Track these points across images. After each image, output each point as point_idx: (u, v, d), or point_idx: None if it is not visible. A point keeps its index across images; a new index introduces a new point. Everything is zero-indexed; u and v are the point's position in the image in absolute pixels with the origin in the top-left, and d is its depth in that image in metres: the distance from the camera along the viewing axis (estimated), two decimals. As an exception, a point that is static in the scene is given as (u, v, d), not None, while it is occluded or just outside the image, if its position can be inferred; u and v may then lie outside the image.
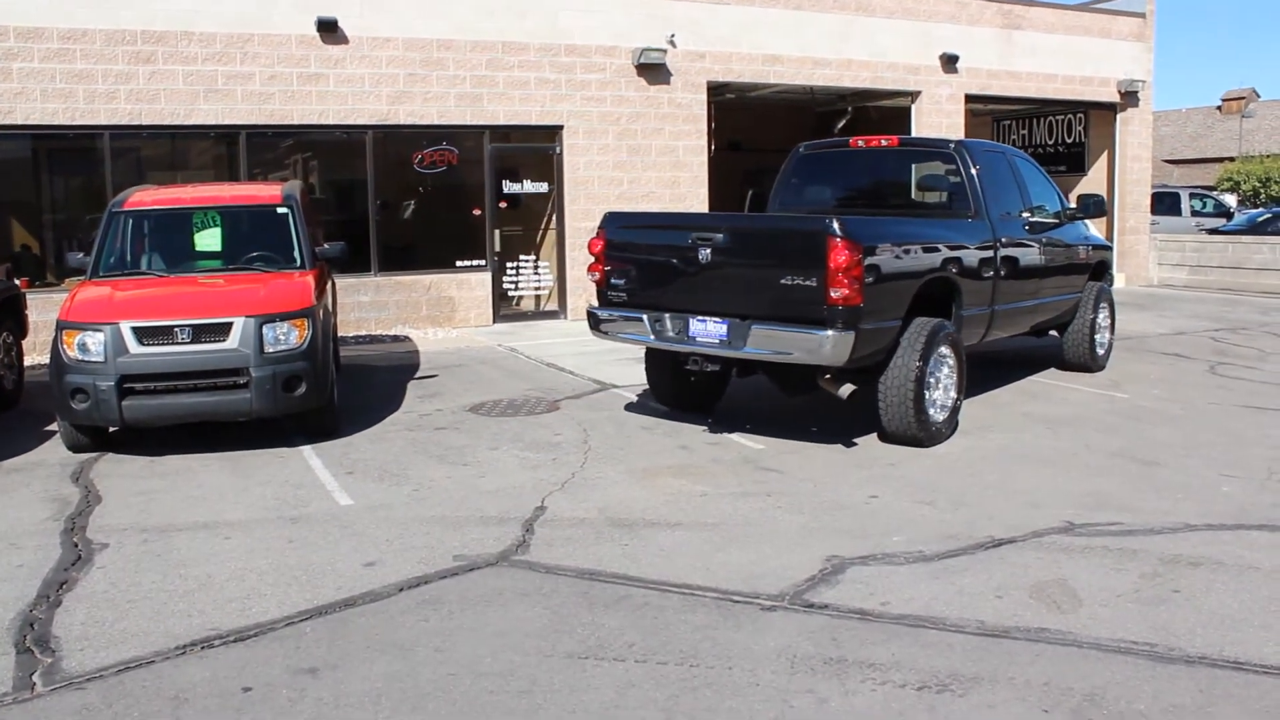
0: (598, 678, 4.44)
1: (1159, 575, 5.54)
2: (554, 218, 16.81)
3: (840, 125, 21.46)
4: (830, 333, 7.53)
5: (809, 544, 6.08)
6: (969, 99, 20.25)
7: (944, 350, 8.41)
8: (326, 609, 5.21)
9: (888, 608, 5.15)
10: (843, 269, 7.44)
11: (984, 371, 11.35)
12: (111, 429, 8.60)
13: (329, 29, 14.80)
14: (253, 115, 14.57)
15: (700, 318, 8.23)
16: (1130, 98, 21.98)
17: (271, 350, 8.23)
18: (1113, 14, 21.69)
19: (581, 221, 16.17)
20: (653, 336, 8.55)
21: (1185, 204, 29.45)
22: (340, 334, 12.70)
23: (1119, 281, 22.11)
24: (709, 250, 8.15)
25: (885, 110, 21.37)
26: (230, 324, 8.22)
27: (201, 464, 8.12)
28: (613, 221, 9.03)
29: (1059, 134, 23.48)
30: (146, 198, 9.93)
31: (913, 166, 10.44)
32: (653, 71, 16.89)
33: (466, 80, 15.70)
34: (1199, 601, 5.19)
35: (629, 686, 4.35)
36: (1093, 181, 22.73)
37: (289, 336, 8.31)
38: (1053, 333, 11.51)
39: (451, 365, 12.58)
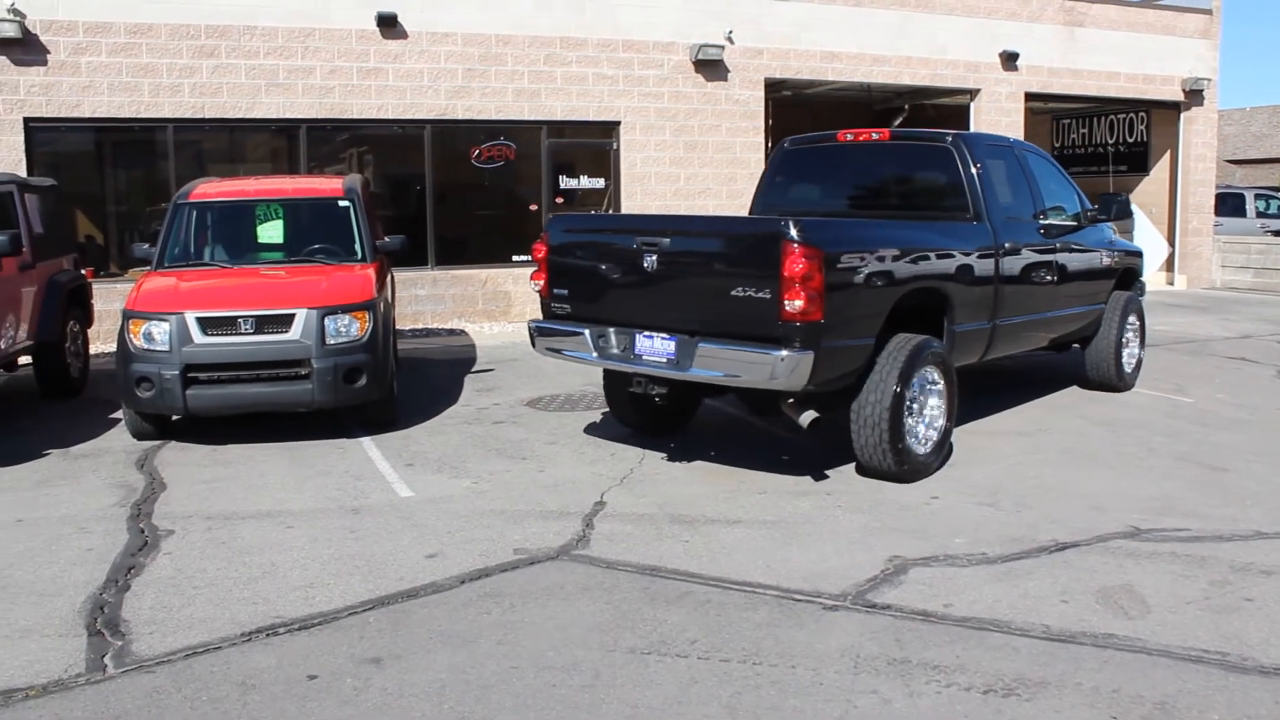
0: (661, 673, 4.43)
1: (1229, 583, 5.43)
2: (610, 213, 16.82)
3: (897, 123, 21.29)
4: (784, 353, 6.59)
5: (870, 544, 6.04)
6: (1029, 97, 20.00)
7: (929, 372, 7.45)
8: (389, 599, 5.25)
9: (951, 609, 5.09)
10: (799, 279, 6.52)
11: (1038, 375, 11.22)
12: (175, 417, 8.73)
13: (389, 24, 14.92)
14: (313, 109, 14.72)
15: (648, 333, 7.37)
16: (1195, 96, 21.61)
17: (333, 342, 8.31)
18: (1178, 10, 21.31)
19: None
20: (595, 354, 7.68)
21: (1250, 205, 28.87)
22: (398, 327, 12.79)
23: (1180, 284, 21.81)
24: (655, 257, 7.26)
25: (943, 108, 21.17)
26: (293, 315, 8.31)
27: (263, 453, 8.22)
28: (557, 224, 8.21)
29: (1120, 133, 23.15)
30: (211, 190, 10.07)
31: (905, 164, 9.41)
32: (710, 68, 16.85)
33: (525, 75, 15.75)
34: (1272, 611, 5.08)
35: (692, 683, 4.34)
36: (1155, 182, 22.40)
37: (350, 328, 8.39)
38: (1076, 346, 10.50)
39: (508, 359, 12.63)
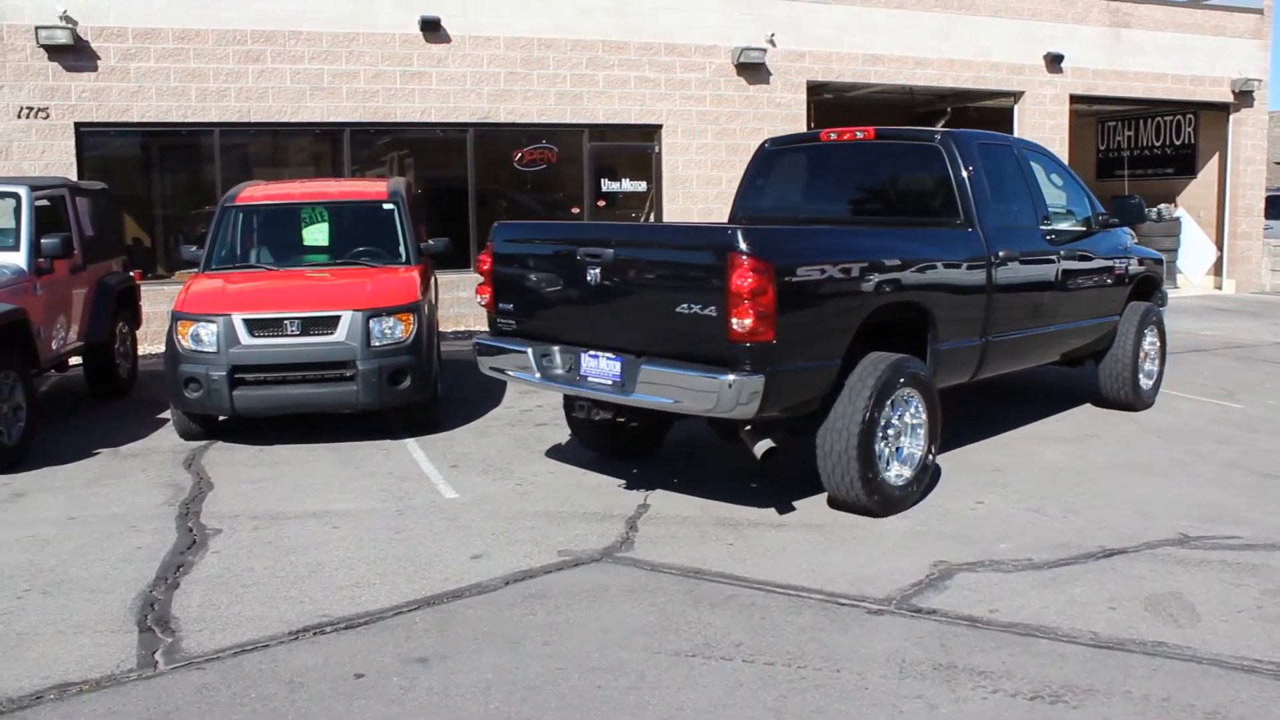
0: (705, 676, 4.43)
1: (1282, 591, 5.36)
2: (652, 217, 16.85)
3: (941, 124, 21.15)
4: (731, 377, 5.94)
5: (915, 548, 6.01)
6: (1074, 99, 19.81)
7: (907, 394, 6.75)
8: (435, 599, 5.29)
9: (997, 615, 5.06)
10: (748, 294, 5.87)
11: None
12: (222, 418, 8.82)
13: (432, 28, 15.02)
14: (357, 113, 14.85)
15: (593, 353, 6.76)
16: (1244, 97, 21.29)
17: (378, 344, 8.38)
18: (1228, 10, 21.01)
19: (682, 220, 16.17)
20: (538, 374, 7.06)
21: (1300, 209, 28.43)
22: (441, 329, 12.86)
23: (1229, 288, 21.51)
24: (598, 270, 6.67)
25: (986, 111, 21.02)
26: (338, 317, 8.38)
27: (308, 454, 8.30)
28: (501, 233, 7.56)
29: (1167, 135, 22.88)
30: (257, 193, 10.18)
31: (892, 165, 8.64)
32: (752, 71, 16.83)
33: (567, 79, 15.81)
34: (1326, 620, 5.01)
35: (737, 686, 4.34)
36: (1203, 184, 22.12)
37: (395, 330, 8.45)
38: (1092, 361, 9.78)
39: (548, 362, 12.63)
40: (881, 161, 8.66)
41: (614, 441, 7.97)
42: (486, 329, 7.73)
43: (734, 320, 5.93)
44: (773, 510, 6.71)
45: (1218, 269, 21.96)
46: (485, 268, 7.51)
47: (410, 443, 8.59)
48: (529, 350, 7.11)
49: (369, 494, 7.19)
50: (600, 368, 6.71)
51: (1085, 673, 4.45)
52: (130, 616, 5.11)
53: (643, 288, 6.66)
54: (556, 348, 7.00)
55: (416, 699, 4.26)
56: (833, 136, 8.65)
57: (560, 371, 6.97)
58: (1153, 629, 4.90)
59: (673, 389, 6.25)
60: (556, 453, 8.27)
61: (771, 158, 9.11)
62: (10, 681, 4.43)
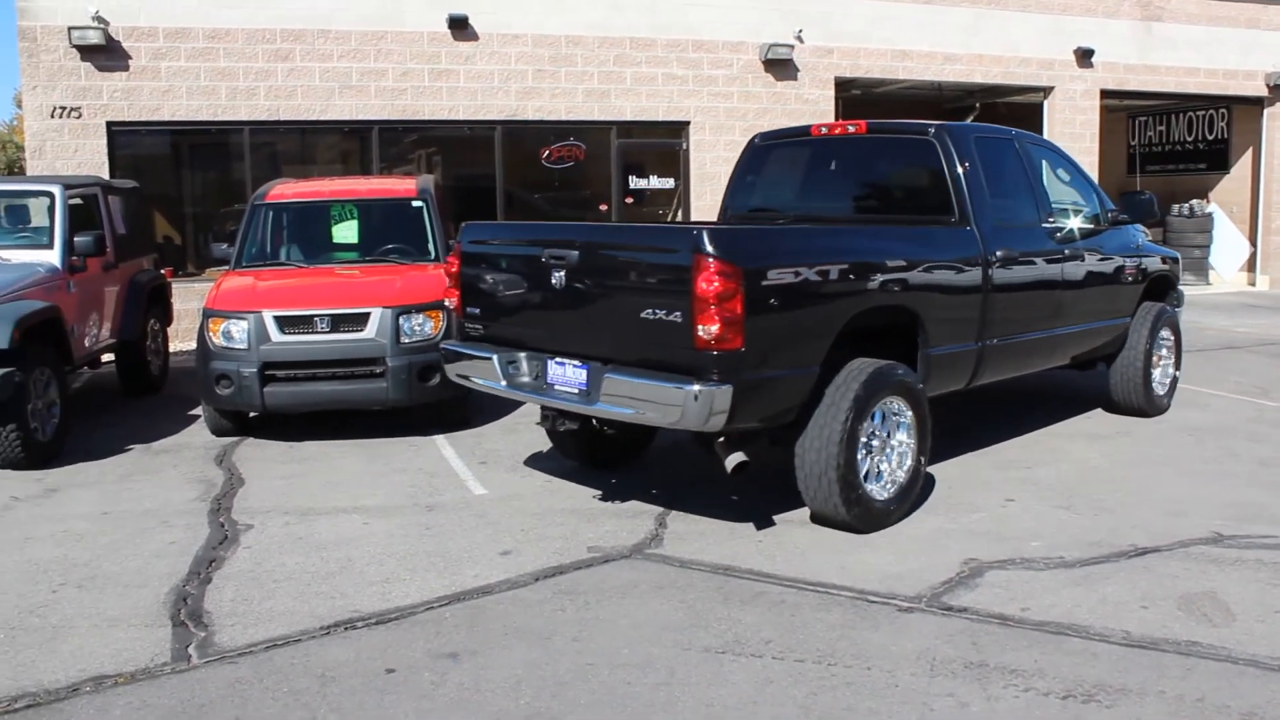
0: (735, 673, 4.43)
1: (1319, 591, 5.30)
2: (680, 213, 16.85)
3: (970, 119, 21.01)
4: (697, 387, 5.57)
5: (945, 546, 5.98)
6: (1104, 94, 19.63)
7: (893, 403, 6.40)
8: (465, 595, 5.31)
9: (1028, 613, 5.02)
10: (714, 299, 5.51)
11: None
12: (252, 414, 8.88)
13: (460, 26, 15.06)
14: (385, 111, 14.91)
15: (559, 360, 6.42)
16: (1279, 91, 21.06)
17: (407, 341, 8.41)
18: (1262, 3, 20.76)
19: (708, 217, 16.15)
20: (503, 383, 6.72)
21: (1334, 204, 28.11)
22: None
23: (1262, 284, 21.29)
24: (563, 273, 6.33)
25: (1016, 106, 20.85)
26: (368, 314, 8.43)
27: (338, 450, 8.34)
28: (468, 233, 7.23)
29: (1200, 130, 22.65)
30: (287, 191, 10.24)
31: (884, 160, 8.25)
32: (780, 67, 16.79)
33: (594, 76, 15.82)
34: (1364, 620, 4.95)
35: (767, 683, 4.33)
36: (1236, 179, 21.89)
37: (424, 327, 8.49)
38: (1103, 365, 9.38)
39: (576, 359, 12.64)
40: (874, 156, 8.28)
41: (592, 450, 7.62)
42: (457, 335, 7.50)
43: (700, 327, 5.59)
44: (800, 507, 6.66)
45: (1251, 265, 21.72)
46: (453, 269, 7.25)
47: (439, 439, 8.63)
48: (495, 357, 6.77)
49: (398, 490, 7.22)
50: (566, 376, 6.39)
51: (1118, 672, 4.42)
52: (164, 611, 5.16)
53: (608, 292, 6.32)
54: (523, 354, 6.67)
55: (447, 694, 4.28)
56: (823, 131, 8.31)
57: (527, 379, 6.66)
58: (1186, 628, 4.86)
59: (634, 398, 5.92)
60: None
61: (761, 153, 8.75)
62: (47, 674, 4.48)
